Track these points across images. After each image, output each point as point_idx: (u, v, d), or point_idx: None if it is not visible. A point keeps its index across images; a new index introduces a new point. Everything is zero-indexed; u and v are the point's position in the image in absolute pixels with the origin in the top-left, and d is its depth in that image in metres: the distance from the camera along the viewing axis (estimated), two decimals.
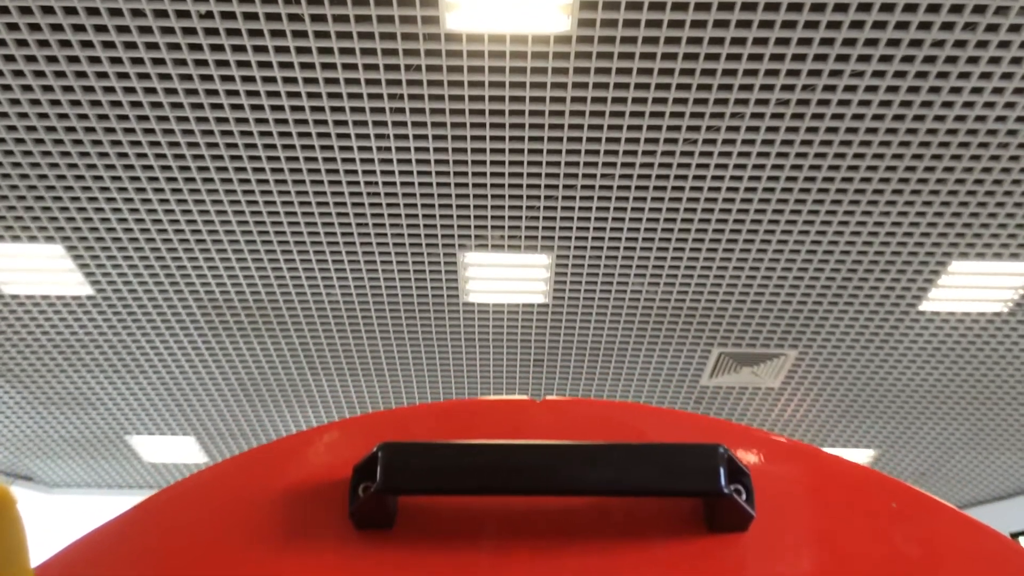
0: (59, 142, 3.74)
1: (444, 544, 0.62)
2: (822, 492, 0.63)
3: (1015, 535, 7.54)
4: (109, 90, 3.43)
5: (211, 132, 3.67)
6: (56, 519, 7.69)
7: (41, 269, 4.71)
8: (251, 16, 3.07)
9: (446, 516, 0.63)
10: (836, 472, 0.64)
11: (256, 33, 3.15)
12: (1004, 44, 3.16)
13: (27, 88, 3.42)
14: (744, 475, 0.61)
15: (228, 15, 3.07)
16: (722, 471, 0.59)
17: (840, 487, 0.64)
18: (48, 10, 3.05)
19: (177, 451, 7.37)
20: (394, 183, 4.02)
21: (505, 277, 4.77)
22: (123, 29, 3.12)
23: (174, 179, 3.99)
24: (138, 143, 3.74)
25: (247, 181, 4.01)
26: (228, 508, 0.63)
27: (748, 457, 0.63)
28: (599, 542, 0.62)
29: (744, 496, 0.60)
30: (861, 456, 7.15)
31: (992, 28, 3.08)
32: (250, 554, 0.62)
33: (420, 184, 4.02)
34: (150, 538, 0.63)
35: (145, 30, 3.12)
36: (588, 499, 0.63)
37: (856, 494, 0.63)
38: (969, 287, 4.74)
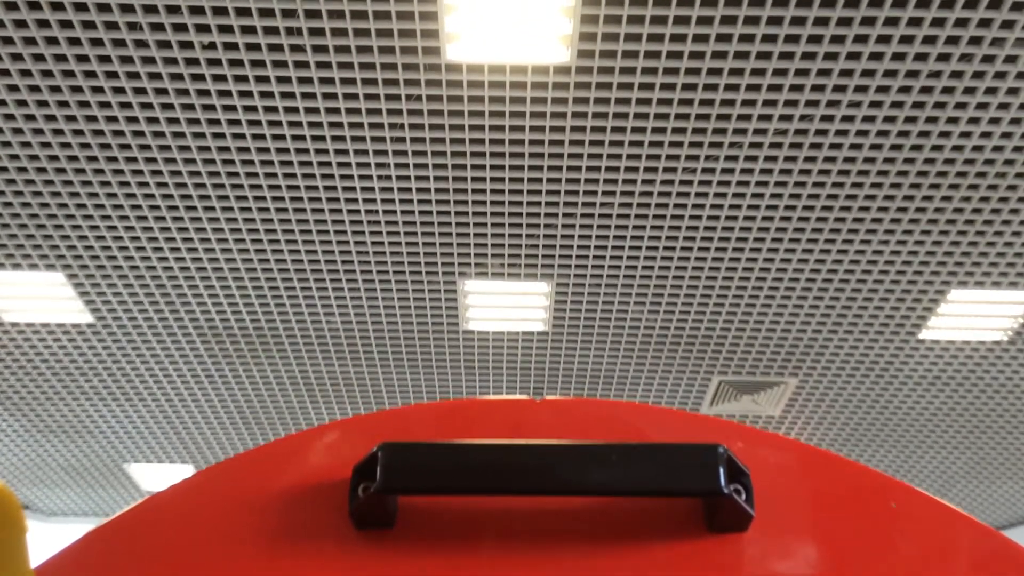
0: (61, 170, 3.76)
1: (444, 544, 0.62)
2: (822, 492, 0.63)
3: None
4: (112, 119, 3.46)
5: (212, 161, 3.70)
6: (53, 548, 7.62)
7: (41, 297, 4.72)
8: (254, 47, 3.11)
9: (446, 516, 0.63)
10: (836, 472, 0.65)
11: (258, 64, 3.19)
12: (1000, 75, 3.19)
13: (30, 117, 3.45)
14: (744, 475, 0.61)
15: (231, 46, 3.10)
16: (722, 471, 0.59)
17: (840, 487, 0.64)
18: (52, 40, 3.08)
19: (176, 480, 7.32)
20: (394, 211, 4.04)
21: (505, 305, 4.77)
22: (126, 60, 3.16)
23: (175, 207, 4.01)
24: (139, 171, 3.77)
25: (247, 209, 4.02)
26: (229, 507, 0.63)
27: (748, 457, 0.64)
28: (599, 542, 0.62)
29: (744, 496, 0.60)
30: None
31: (988, 59, 3.12)
32: (250, 553, 0.61)
33: (420, 212, 4.04)
34: (152, 536, 0.63)
35: (148, 60, 3.16)
36: (588, 499, 0.63)
37: (856, 494, 0.63)
38: (969, 316, 4.74)
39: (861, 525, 0.62)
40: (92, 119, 3.46)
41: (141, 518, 0.64)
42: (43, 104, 3.38)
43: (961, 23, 2.97)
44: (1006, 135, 3.49)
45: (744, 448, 0.64)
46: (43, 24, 3.02)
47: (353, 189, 3.89)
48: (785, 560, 0.61)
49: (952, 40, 3.04)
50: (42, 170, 3.76)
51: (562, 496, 0.62)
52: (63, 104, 3.38)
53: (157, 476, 7.28)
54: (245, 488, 0.64)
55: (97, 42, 3.09)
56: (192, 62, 3.18)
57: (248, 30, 3.04)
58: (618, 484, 0.60)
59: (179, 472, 7.16)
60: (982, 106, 3.34)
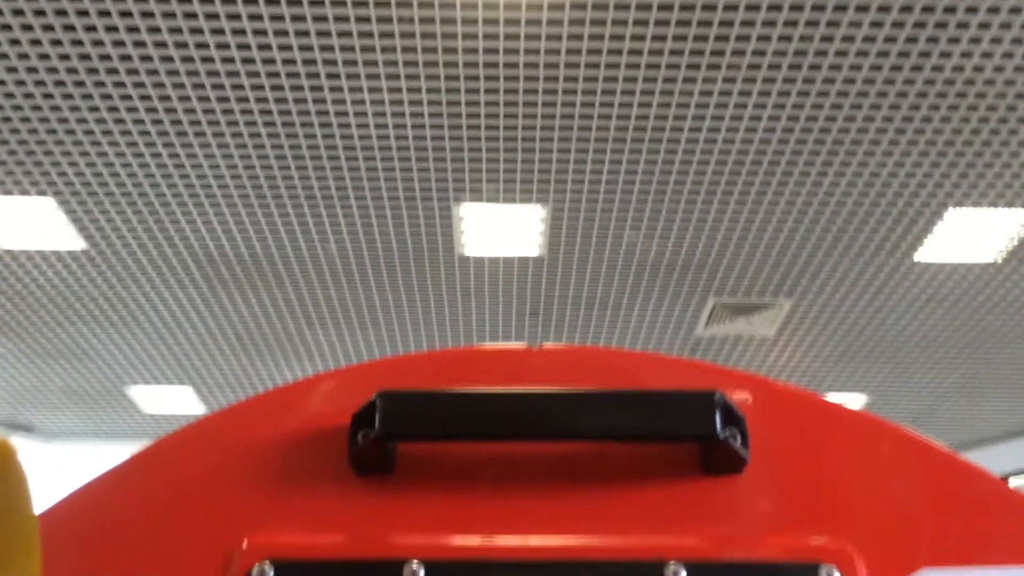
0: (48, 96, 3.70)
1: (443, 487, 0.63)
2: (816, 435, 0.64)
3: (1005, 476, 7.64)
4: (98, 43, 3.38)
5: (201, 85, 3.64)
6: (57, 468, 7.76)
7: (34, 223, 4.69)
8: None
9: (445, 461, 0.64)
10: (830, 416, 0.65)
11: None
12: None
13: (15, 42, 3.37)
14: (739, 420, 0.62)
15: None
16: (718, 416, 0.60)
17: (834, 430, 0.65)
18: None
19: (175, 402, 7.42)
20: (388, 136, 3.99)
21: (500, 229, 4.76)
22: None
23: (165, 132, 3.96)
24: (128, 96, 3.71)
25: (239, 135, 3.98)
26: (229, 454, 0.64)
27: (743, 402, 0.64)
28: (596, 486, 0.63)
29: (739, 440, 0.61)
30: (854, 402, 7.22)
31: None
32: (255, 497, 0.63)
33: (415, 137, 4.00)
34: (150, 485, 0.64)
35: None
36: (585, 444, 0.64)
37: (850, 437, 0.64)
38: (964, 236, 4.75)
39: (855, 469, 0.63)
40: (78, 43, 3.39)
41: (141, 466, 0.65)
42: (27, 28, 3.31)
43: None
44: (1007, 55, 3.44)
45: (740, 393, 0.65)
46: None
47: (346, 114, 3.84)
48: (778, 502, 0.62)
49: None
50: (29, 95, 3.70)
51: (559, 441, 0.63)
52: (48, 28, 3.31)
53: (157, 399, 7.37)
54: (248, 435, 0.65)
55: None
56: None
57: None
58: (615, 430, 0.61)
59: (179, 394, 7.24)
60: (984, 26, 3.28)
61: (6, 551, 0.50)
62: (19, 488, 0.52)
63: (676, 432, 0.61)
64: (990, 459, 7.70)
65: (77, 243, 4.87)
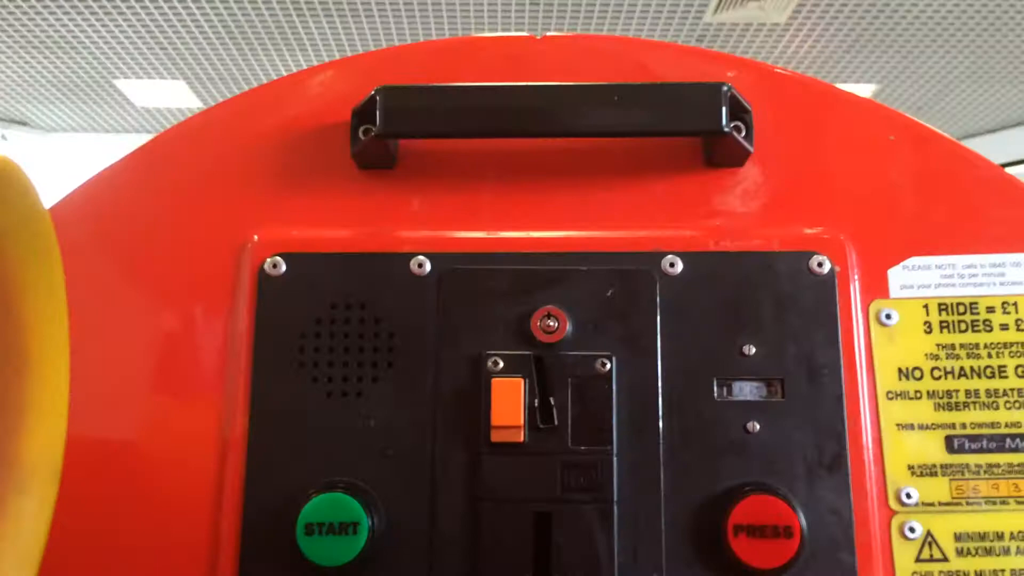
0: None
1: (445, 182, 0.63)
2: (821, 125, 0.64)
3: (1008, 165, 7.67)
4: None
5: None
6: (57, 160, 7.85)
7: None
8: None
9: (447, 157, 0.64)
10: (836, 105, 0.65)
11: None
12: None
13: None
14: (746, 112, 0.61)
15: None
16: (724, 110, 0.59)
17: (839, 120, 0.64)
18: None
19: (169, 95, 7.33)
20: None
21: None
22: None
23: None
24: None
25: None
26: (231, 149, 0.64)
27: (750, 92, 0.63)
28: (599, 181, 0.63)
29: (743, 133, 0.61)
30: (863, 91, 7.12)
31: None
32: (258, 194, 0.63)
33: None
34: (155, 181, 0.64)
35: None
36: (589, 140, 0.63)
37: (855, 127, 0.64)
38: None
39: (858, 158, 0.63)
40: None
41: (147, 161, 0.65)
42: None
43: None
44: None
45: (748, 83, 0.63)
46: None
47: None
48: (779, 192, 0.63)
49: None
50: None
51: (563, 138, 0.63)
52: None
53: (149, 92, 7.28)
54: (248, 129, 0.65)
55: None
56: None
57: None
58: (619, 125, 0.60)
59: (170, 88, 7.14)
60: None
61: (29, 255, 0.51)
62: (29, 197, 0.52)
63: (682, 126, 0.60)
64: (995, 147, 7.70)
65: None
